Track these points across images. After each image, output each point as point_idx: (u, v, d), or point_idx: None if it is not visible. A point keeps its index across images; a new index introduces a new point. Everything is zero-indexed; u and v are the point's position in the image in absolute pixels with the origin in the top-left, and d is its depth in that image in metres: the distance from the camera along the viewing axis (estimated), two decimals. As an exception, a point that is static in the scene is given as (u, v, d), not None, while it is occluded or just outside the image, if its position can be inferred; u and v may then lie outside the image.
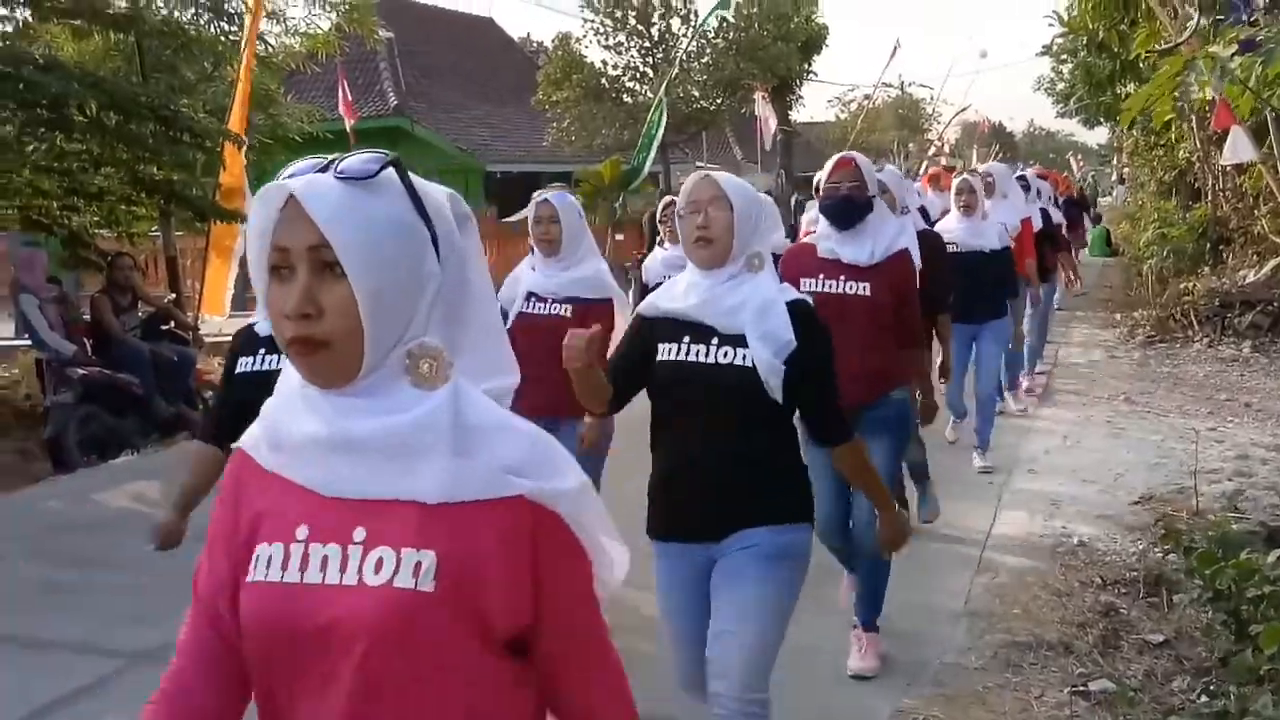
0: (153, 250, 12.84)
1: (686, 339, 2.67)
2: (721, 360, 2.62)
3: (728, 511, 2.67)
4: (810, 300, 2.78)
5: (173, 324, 9.29)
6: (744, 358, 2.60)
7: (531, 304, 4.14)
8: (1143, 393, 9.13)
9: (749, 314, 2.61)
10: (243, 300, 16.57)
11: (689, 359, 2.66)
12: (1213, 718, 3.40)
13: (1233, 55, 4.10)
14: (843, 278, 3.80)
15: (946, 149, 30.93)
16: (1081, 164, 46.21)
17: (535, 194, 4.26)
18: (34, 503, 6.88)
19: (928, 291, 4.43)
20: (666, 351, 2.70)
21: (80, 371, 8.06)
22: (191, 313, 10.16)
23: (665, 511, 2.77)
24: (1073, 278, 11.92)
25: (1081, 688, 3.86)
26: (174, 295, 10.21)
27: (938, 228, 6.31)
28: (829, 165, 3.92)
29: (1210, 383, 9.52)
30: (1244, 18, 7.54)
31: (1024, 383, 8.86)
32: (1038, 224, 8.60)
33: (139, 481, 7.24)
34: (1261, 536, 5.04)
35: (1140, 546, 5.27)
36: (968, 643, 4.28)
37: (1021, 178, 8.92)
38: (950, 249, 5.96)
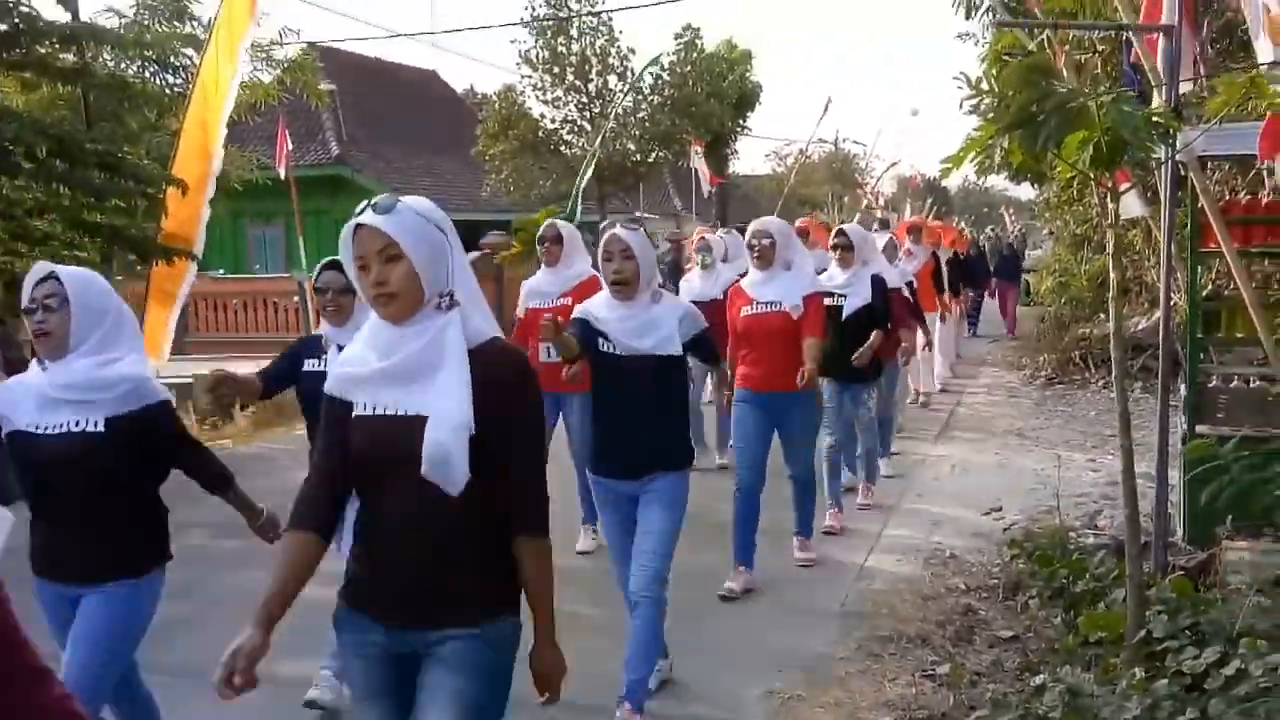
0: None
1: None
2: None
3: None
4: None
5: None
6: None
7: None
8: (1035, 429, 9.81)
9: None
10: (181, 345, 16.84)
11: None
12: (1031, 691, 3.93)
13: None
14: None
15: (881, 202, 32.00)
16: (1014, 217, 47.65)
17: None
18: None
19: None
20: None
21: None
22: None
23: None
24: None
25: (930, 672, 4.37)
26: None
27: (580, 309, 4.10)
28: None
29: (1100, 420, 10.20)
30: (1132, 89, 8.31)
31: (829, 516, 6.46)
32: (861, 299, 6.32)
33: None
34: (1111, 548, 5.62)
35: (1005, 558, 5.83)
36: (838, 637, 4.80)
37: (840, 233, 6.60)
38: (603, 351, 3.91)
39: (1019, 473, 7.98)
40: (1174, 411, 5.36)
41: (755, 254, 5.45)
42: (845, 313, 6.36)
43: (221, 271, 21.06)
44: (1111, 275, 4.25)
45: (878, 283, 6.51)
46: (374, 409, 2.27)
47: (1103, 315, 14.06)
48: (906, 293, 7.92)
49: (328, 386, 2.38)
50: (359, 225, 2.24)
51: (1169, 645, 3.98)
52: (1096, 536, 5.99)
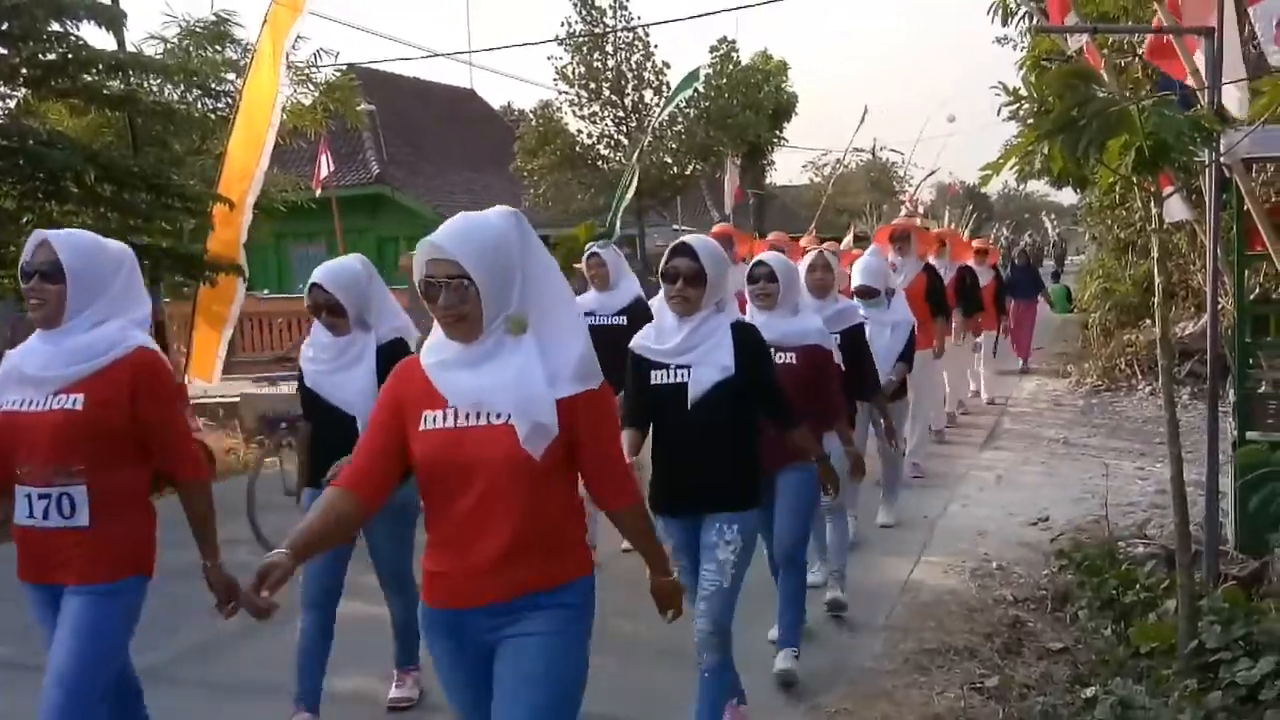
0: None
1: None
2: None
3: None
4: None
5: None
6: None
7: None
8: (1081, 437, 9.69)
9: None
10: (226, 364, 17.07)
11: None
12: (1082, 703, 3.88)
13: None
14: None
15: (920, 210, 31.82)
16: (1055, 223, 47.32)
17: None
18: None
19: None
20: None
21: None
22: (177, 375, 10.60)
23: None
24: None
25: (979, 685, 4.32)
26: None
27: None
28: None
29: (1147, 428, 10.06)
30: (1174, 95, 8.20)
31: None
32: (718, 370, 3.47)
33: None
34: (1161, 558, 5.54)
35: (1053, 569, 5.76)
36: (884, 650, 4.76)
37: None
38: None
39: (1065, 482, 7.89)
40: (1223, 417, 5.28)
41: (442, 311, 2.44)
42: (692, 395, 3.50)
43: (266, 291, 21.33)
44: (1157, 280, 4.20)
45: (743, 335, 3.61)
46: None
47: (1148, 321, 13.88)
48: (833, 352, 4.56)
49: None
50: None
51: (1222, 656, 3.92)
52: (1146, 546, 5.90)
